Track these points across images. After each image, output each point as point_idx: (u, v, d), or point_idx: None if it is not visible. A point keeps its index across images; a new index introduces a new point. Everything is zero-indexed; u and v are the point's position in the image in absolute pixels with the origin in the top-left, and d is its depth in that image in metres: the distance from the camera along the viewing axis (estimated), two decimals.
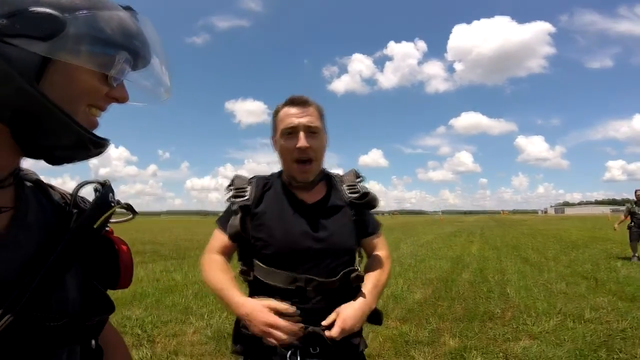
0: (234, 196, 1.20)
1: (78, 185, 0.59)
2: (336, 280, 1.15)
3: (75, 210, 0.56)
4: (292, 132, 1.16)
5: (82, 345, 0.57)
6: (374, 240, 1.34)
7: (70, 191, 0.60)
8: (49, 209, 0.56)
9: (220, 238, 1.24)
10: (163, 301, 4.78)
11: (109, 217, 0.56)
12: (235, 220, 1.16)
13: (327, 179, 1.31)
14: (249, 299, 1.11)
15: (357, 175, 1.34)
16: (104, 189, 0.57)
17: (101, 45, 0.47)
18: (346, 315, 1.12)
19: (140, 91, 0.57)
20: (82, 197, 0.60)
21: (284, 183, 1.25)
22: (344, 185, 1.30)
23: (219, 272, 1.17)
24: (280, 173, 1.29)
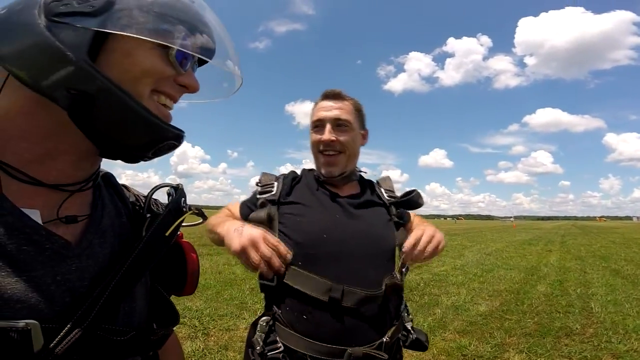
0: (261, 192, 1.15)
1: (153, 188, 0.59)
2: (381, 292, 1.00)
3: (148, 215, 0.56)
4: (319, 124, 1.15)
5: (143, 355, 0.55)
6: (410, 223, 1.21)
7: (145, 193, 0.61)
8: (124, 212, 0.56)
9: (233, 211, 1.18)
10: (222, 294, 5.02)
11: (181, 223, 0.56)
12: (261, 213, 1.08)
13: (362, 179, 1.25)
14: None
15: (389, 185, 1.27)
16: (177, 194, 0.57)
17: (156, 20, 0.44)
18: (429, 227, 1.02)
19: (211, 84, 0.54)
20: (155, 200, 0.59)
21: (315, 176, 1.20)
22: (382, 189, 1.24)
23: (222, 217, 1.11)
24: (310, 168, 1.26)
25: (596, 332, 3.81)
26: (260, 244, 0.85)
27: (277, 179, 1.17)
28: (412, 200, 1.15)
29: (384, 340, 0.99)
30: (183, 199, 0.57)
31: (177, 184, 0.59)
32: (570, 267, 8.48)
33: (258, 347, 0.98)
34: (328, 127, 1.13)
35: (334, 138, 1.11)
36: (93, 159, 0.49)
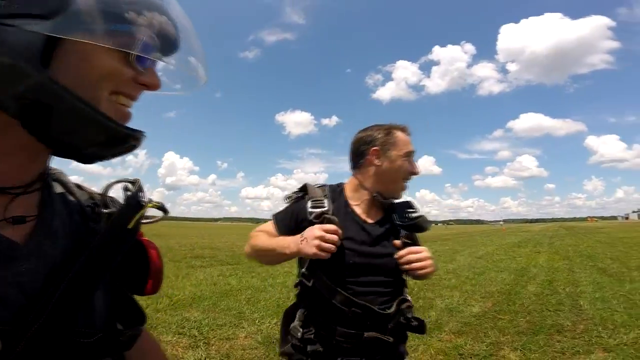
0: (314, 206, 1.21)
1: (108, 184, 0.55)
2: (391, 313, 1.19)
3: (105, 211, 0.52)
4: (410, 156, 1.29)
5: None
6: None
7: (99, 191, 0.57)
8: (76, 211, 0.53)
9: (271, 231, 1.26)
10: (219, 304, 4.99)
11: (142, 217, 0.52)
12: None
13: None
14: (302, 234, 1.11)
15: (411, 206, 1.34)
16: (135, 188, 0.52)
17: (116, 20, 0.40)
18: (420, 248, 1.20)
19: (174, 77, 0.52)
20: (111, 198, 0.55)
21: (346, 200, 1.30)
22: (395, 213, 1.33)
23: (266, 237, 1.23)
24: (340, 188, 1.33)
25: (586, 328, 3.93)
26: (322, 240, 1.05)
27: (324, 195, 1.26)
28: (418, 225, 1.28)
29: (389, 326, 1.19)
30: (141, 193, 0.53)
31: (134, 179, 0.54)
32: (559, 267, 8.68)
33: (299, 333, 1.20)
34: (414, 161, 1.30)
35: None
36: (42, 159, 0.47)
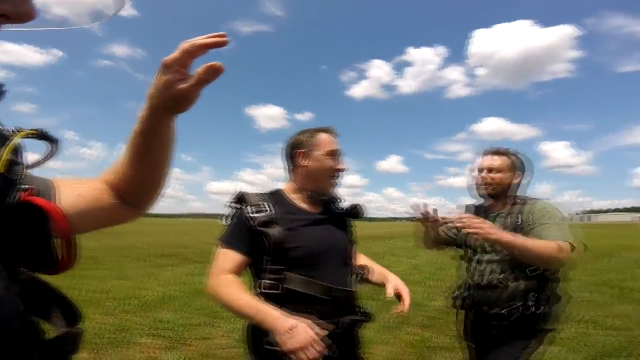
0: (255, 211, 1.26)
1: None
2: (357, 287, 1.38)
3: None
4: (335, 154, 1.40)
5: None
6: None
7: None
8: None
9: (230, 257, 1.26)
10: (191, 304, 4.93)
11: (16, 153, 0.38)
12: (273, 231, 1.23)
13: None
14: (287, 314, 1.11)
15: (338, 198, 1.52)
16: None
17: None
18: (403, 285, 1.43)
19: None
20: None
21: (290, 200, 1.39)
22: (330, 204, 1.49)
23: (240, 291, 1.20)
24: (279, 192, 1.41)
25: None
26: (310, 345, 1.03)
27: (262, 198, 1.32)
28: (360, 212, 1.49)
29: (357, 307, 1.36)
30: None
31: None
32: None
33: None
34: (340, 159, 1.42)
35: None
36: None
